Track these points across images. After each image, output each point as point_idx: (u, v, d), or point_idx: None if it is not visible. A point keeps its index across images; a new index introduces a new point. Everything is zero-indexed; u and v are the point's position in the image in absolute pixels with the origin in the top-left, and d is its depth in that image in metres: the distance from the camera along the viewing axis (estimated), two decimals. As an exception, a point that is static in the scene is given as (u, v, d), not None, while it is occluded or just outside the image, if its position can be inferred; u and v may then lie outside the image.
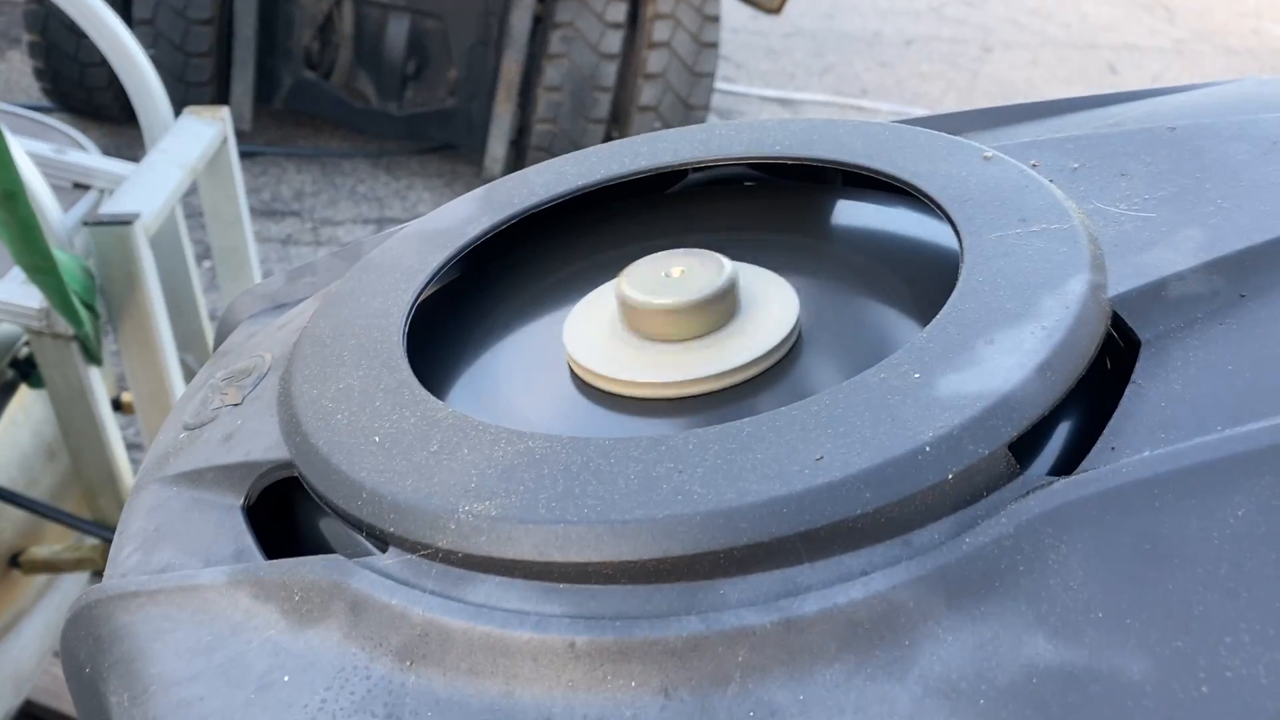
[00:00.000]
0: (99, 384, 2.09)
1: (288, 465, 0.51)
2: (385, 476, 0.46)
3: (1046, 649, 0.36)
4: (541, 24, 5.16)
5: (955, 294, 0.48)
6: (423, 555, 0.43)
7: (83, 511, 2.29)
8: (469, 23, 5.15)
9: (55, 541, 2.38)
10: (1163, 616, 0.37)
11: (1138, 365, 0.46)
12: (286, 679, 0.42)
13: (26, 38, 5.13)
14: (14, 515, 2.27)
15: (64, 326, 1.94)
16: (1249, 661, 0.36)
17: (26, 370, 2.25)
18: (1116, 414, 0.44)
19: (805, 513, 0.40)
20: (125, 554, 0.52)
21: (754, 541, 0.39)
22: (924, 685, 0.36)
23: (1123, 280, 0.48)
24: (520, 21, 5.06)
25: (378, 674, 0.41)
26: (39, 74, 5.20)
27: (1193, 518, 0.38)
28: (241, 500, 0.52)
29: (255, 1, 5.07)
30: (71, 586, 2.68)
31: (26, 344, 2.20)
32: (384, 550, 0.45)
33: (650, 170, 0.65)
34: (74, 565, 2.34)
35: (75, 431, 2.07)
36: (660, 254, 0.55)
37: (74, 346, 1.99)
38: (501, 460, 0.45)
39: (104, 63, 4.97)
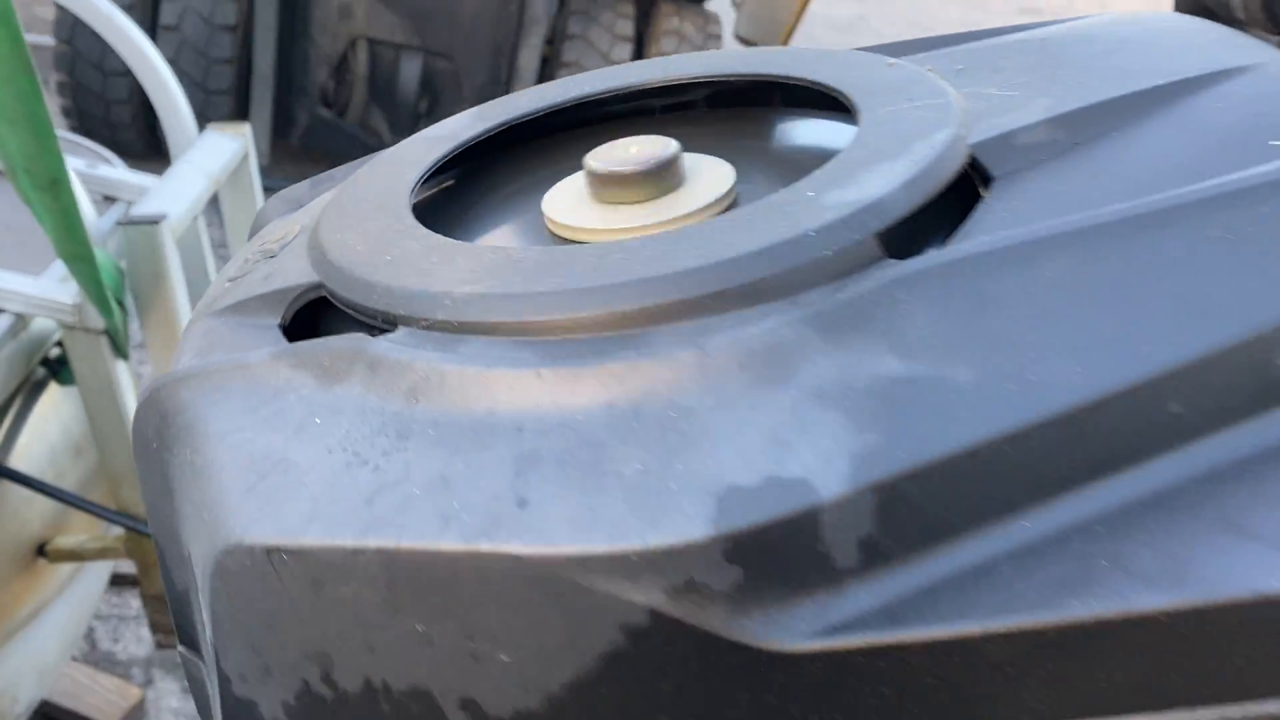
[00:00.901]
0: (126, 378, 2.21)
1: (317, 286, 0.63)
2: (395, 277, 0.58)
3: (895, 364, 0.49)
4: (549, 63, 5.34)
5: (848, 146, 0.61)
6: (424, 327, 0.56)
7: (109, 504, 2.41)
8: (479, 63, 5.33)
9: (81, 533, 2.49)
10: (984, 343, 0.49)
11: (989, 191, 0.59)
12: (318, 420, 0.55)
13: (54, 77, 5.33)
14: (42, 506, 2.39)
15: (95, 321, 2.07)
16: (1046, 370, 0.48)
17: (56, 368, 2.38)
18: (966, 223, 0.56)
19: (717, 278, 0.52)
20: (182, 361, 0.65)
21: (678, 299, 0.52)
22: (801, 389, 0.49)
23: (981, 134, 0.61)
24: (529, 61, 5.24)
25: (390, 409, 0.53)
26: (66, 112, 5.40)
27: (1010, 278, 0.51)
28: (279, 319, 0.64)
29: (273, 42, 5.27)
30: (93, 582, 2.79)
31: (57, 344, 2.34)
32: (395, 330, 0.58)
33: (613, 91, 0.78)
34: (98, 554, 2.45)
35: (103, 423, 2.20)
36: (620, 140, 0.68)
37: (104, 341, 2.12)
38: (488, 262, 0.58)
39: (128, 100, 5.17)
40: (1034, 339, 0.49)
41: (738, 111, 0.83)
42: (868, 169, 0.58)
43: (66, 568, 2.51)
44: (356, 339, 0.57)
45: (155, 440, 0.60)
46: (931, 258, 0.53)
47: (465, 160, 0.78)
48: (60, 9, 4.79)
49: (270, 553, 0.52)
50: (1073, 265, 0.52)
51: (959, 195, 0.59)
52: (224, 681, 0.58)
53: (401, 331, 0.56)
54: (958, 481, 0.47)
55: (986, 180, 0.60)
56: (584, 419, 0.50)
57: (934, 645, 0.47)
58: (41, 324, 2.21)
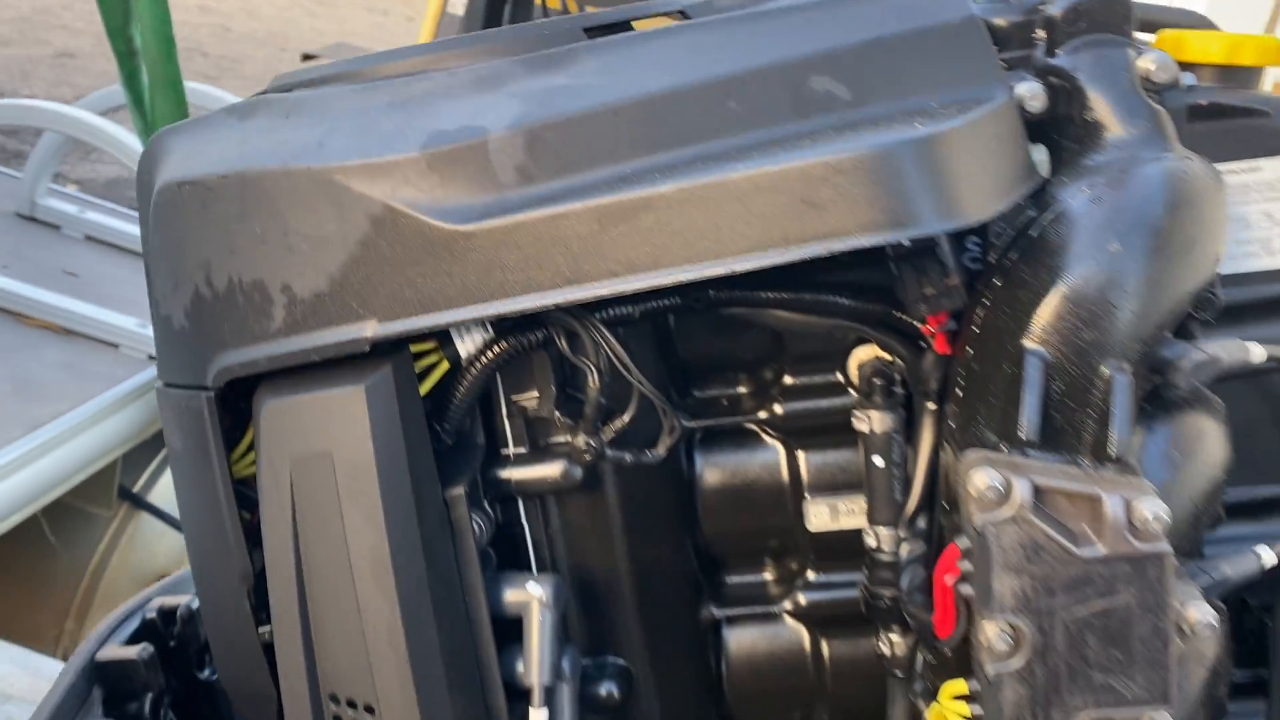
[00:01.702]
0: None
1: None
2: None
3: (559, 81, 0.78)
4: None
5: None
6: (332, 84, 0.88)
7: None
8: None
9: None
10: (613, 65, 0.78)
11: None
12: (236, 129, 0.87)
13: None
14: (170, 540, 2.76)
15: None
16: (637, 77, 0.76)
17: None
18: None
19: (472, 49, 0.83)
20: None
21: (442, 54, 0.83)
22: (502, 92, 0.78)
23: None
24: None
25: (276, 121, 0.85)
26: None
27: (657, 39, 0.80)
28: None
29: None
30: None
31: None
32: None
33: None
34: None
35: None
36: None
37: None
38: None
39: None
40: (633, 63, 0.78)
41: None
42: None
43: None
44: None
45: (146, 176, 0.93)
46: (608, 38, 0.82)
47: None
48: None
49: (180, 185, 0.83)
50: (699, 34, 0.80)
51: None
52: (153, 306, 0.88)
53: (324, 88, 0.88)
54: (578, 135, 0.75)
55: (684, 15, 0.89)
56: (372, 107, 0.81)
57: (547, 220, 0.73)
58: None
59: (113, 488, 2.71)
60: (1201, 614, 0.77)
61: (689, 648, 1.04)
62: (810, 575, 1.04)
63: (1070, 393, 0.76)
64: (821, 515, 1.00)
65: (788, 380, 1.00)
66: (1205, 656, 0.89)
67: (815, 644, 1.05)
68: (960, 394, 0.82)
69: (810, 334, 0.96)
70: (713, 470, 1.02)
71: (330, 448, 0.82)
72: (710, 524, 1.03)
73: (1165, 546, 0.74)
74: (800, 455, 1.01)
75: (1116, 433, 0.75)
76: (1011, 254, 0.80)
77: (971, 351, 0.82)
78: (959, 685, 0.84)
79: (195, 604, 1.27)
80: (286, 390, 0.84)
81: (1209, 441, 0.87)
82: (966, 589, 0.79)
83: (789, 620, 1.05)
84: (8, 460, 2.20)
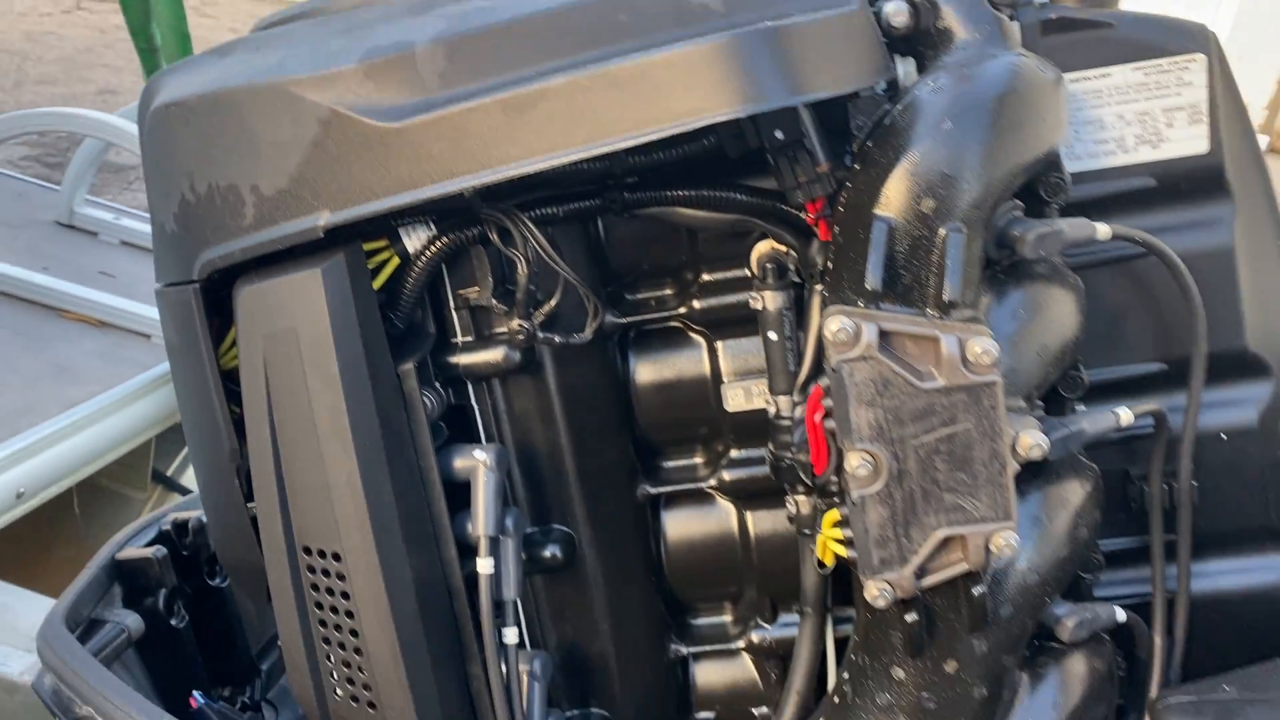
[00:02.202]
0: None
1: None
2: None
3: (437, 26, 0.93)
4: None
5: None
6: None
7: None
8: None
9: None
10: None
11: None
12: (221, 59, 1.02)
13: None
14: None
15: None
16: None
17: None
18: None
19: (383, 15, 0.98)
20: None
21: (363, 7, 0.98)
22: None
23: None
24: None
25: (255, 49, 1.01)
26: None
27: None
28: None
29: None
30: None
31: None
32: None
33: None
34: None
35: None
36: None
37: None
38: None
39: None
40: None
41: None
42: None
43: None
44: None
45: (145, 109, 1.08)
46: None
47: None
48: None
49: (167, 108, 0.99)
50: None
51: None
52: (151, 219, 1.04)
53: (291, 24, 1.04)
54: (491, 44, 0.90)
55: None
56: (326, 33, 0.96)
57: (463, 114, 0.88)
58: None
59: (146, 470, 2.88)
60: (1034, 439, 0.89)
61: (627, 521, 1.18)
62: (733, 453, 1.17)
63: (913, 253, 0.89)
64: (737, 397, 1.13)
65: (705, 278, 1.13)
66: (1068, 500, 1.02)
67: (741, 519, 1.18)
68: (830, 265, 0.95)
69: (719, 233, 1.09)
70: (644, 366, 1.16)
71: (295, 325, 0.97)
72: (644, 413, 1.16)
73: (995, 377, 0.87)
74: (719, 346, 1.14)
75: (949, 282, 0.88)
76: (869, 142, 0.94)
77: (838, 229, 0.95)
78: (835, 514, 0.97)
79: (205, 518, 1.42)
80: (259, 278, 0.98)
81: (1057, 306, 0.99)
82: (831, 424, 0.92)
83: (717, 498, 1.19)
84: (45, 435, 2.37)
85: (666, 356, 1.16)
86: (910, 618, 0.94)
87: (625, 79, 0.85)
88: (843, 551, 0.96)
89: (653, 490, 1.18)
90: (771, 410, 1.07)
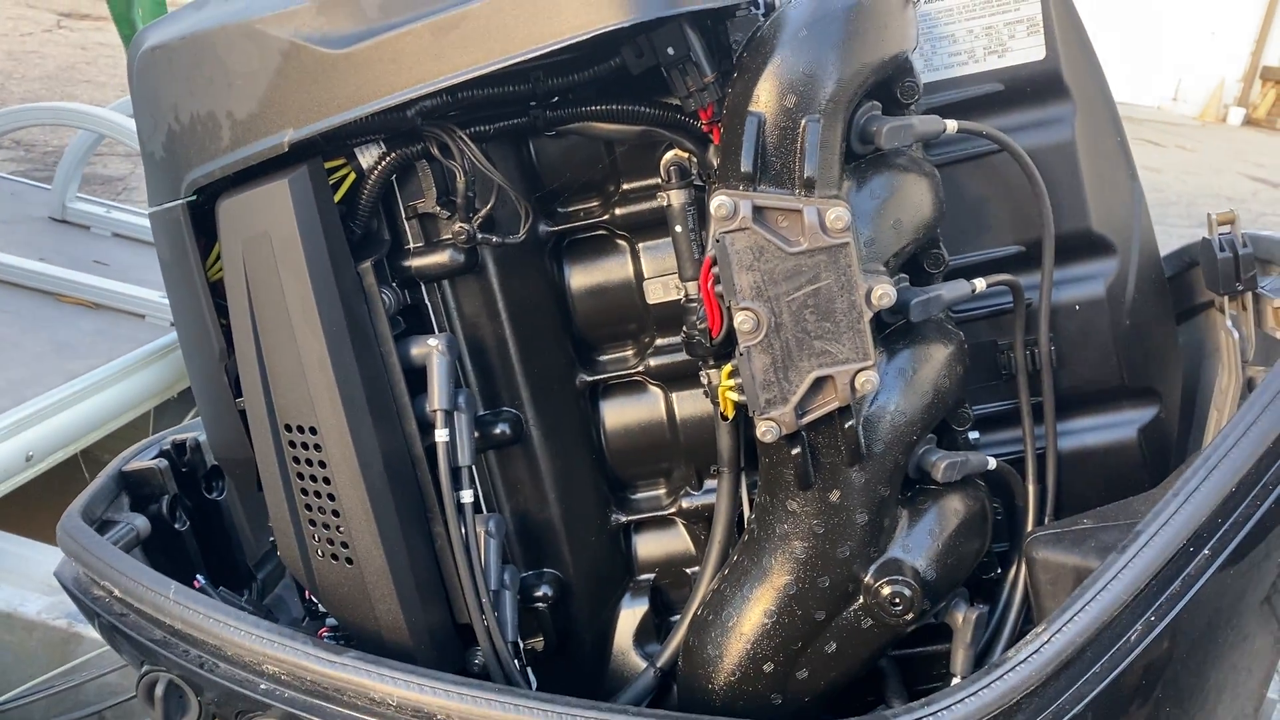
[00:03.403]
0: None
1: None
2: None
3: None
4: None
5: None
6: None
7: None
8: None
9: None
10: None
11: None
12: (194, 16, 1.20)
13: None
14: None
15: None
16: None
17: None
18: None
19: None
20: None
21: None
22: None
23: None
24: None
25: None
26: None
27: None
28: None
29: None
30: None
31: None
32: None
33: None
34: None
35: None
36: None
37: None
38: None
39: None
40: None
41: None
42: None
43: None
44: None
45: (132, 58, 1.26)
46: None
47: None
48: None
49: (152, 51, 1.16)
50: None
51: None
52: (142, 151, 1.21)
53: None
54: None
55: None
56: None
57: (399, 37, 1.06)
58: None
59: (146, 443, 3.05)
60: (884, 290, 1.07)
61: (569, 405, 1.36)
62: (657, 342, 1.35)
63: (780, 141, 1.07)
64: (657, 291, 1.31)
65: (624, 188, 1.31)
66: (931, 356, 1.20)
67: (668, 401, 1.36)
68: (720, 158, 1.13)
69: (631, 144, 1.27)
70: (577, 270, 1.34)
71: (268, 229, 1.15)
72: (579, 312, 1.34)
73: (848, 239, 1.05)
74: (640, 248, 1.32)
75: (808, 162, 1.06)
76: (744, 53, 1.12)
77: (724, 129, 1.13)
78: (729, 368, 1.15)
79: (203, 436, 1.59)
80: (236, 192, 1.16)
81: (912, 189, 1.17)
82: (719, 290, 1.10)
83: (646, 384, 1.37)
84: (49, 403, 2.55)
85: (595, 261, 1.34)
86: (795, 451, 1.12)
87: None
88: (737, 397, 1.14)
89: (589, 379, 1.36)
90: (681, 296, 1.25)
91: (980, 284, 1.22)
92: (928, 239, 1.21)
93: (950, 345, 1.22)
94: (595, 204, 1.33)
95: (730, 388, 1.15)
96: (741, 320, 1.08)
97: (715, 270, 1.10)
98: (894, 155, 1.18)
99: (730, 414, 1.18)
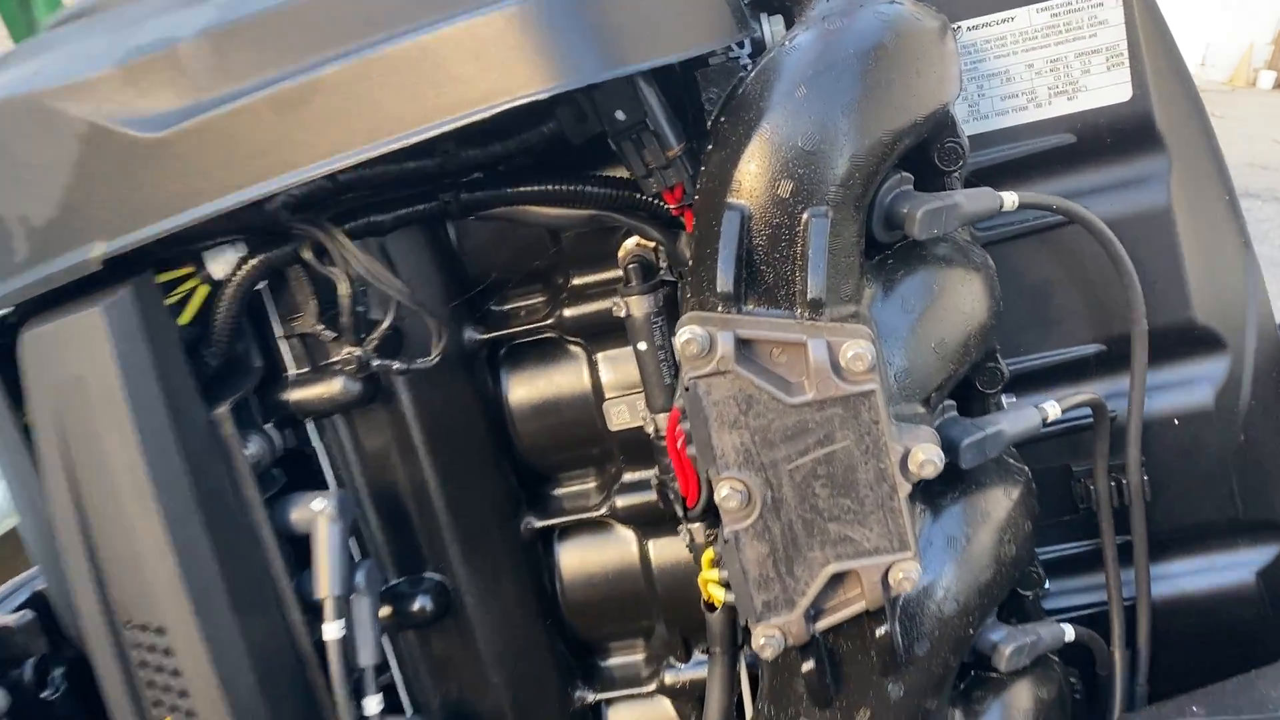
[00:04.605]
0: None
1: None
2: None
3: None
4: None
5: None
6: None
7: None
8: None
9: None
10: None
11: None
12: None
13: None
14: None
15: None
16: None
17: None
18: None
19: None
20: None
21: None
22: None
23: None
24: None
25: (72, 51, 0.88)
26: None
27: None
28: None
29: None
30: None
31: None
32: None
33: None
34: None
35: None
36: None
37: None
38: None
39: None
40: None
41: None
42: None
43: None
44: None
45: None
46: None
47: None
48: None
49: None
50: None
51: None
52: None
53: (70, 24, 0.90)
54: (261, 34, 0.76)
55: None
56: (92, 32, 0.83)
57: (230, 116, 0.75)
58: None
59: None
60: (927, 454, 0.75)
61: (511, 561, 1.05)
62: (626, 476, 1.04)
63: (773, 245, 0.76)
64: (622, 414, 1.00)
65: (575, 282, 1.00)
66: (990, 514, 0.88)
67: (643, 549, 1.05)
68: (692, 264, 0.82)
69: (585, 232, 0.96)
70: (518, 384, 1.03)
71: (81, 371, 0.84)
72: (523, 437, 1.03)
73: (872, 385, 0.73)
74: (598, 358, 1.01)
75: (813, 277, 0.74)
76: (721, 117, 0.80)
77: (696, 223, 0.81)
78: (712, 553, 0.83)
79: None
80: (40, 321, 0.86)
81: (959, 291, 0.86)
82: (692, 451, 0.79)
83: (615, 526, 1.06)
84: None
85: (542, 372, 1.03)
86: (809, 666, 0.81)
87: (406, 62, 0.72)
88: (724, 595, 0.83)
89: (540, 524, 1.05)
90: (650, 429, 0.94)
91: (1053, 409, 0.90)
92: (982, 353, 0.90)
93: (1014, 492, 0.90)
94: (539, 301, 1.02)
95: (713, 580, 0.84)
96: (725, 495, 0.77)
97: (686, 426, 0.78)
98: (933, 244, 0.86)
99: (718, 604, 0.87)
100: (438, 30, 0.71)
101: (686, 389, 0.76)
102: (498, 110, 0.71)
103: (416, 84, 0.72)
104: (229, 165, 0.76)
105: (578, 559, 1.07)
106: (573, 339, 1.01)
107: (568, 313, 1.00)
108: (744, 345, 0.75)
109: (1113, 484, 1.00)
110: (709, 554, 0.84)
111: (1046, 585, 1.00)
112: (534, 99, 0.71)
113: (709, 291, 0.78)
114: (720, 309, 0.77)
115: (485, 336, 1.01)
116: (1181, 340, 0.99)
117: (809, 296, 0.74)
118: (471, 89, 0.71)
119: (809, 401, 0.74)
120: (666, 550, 1.05)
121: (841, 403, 0.74)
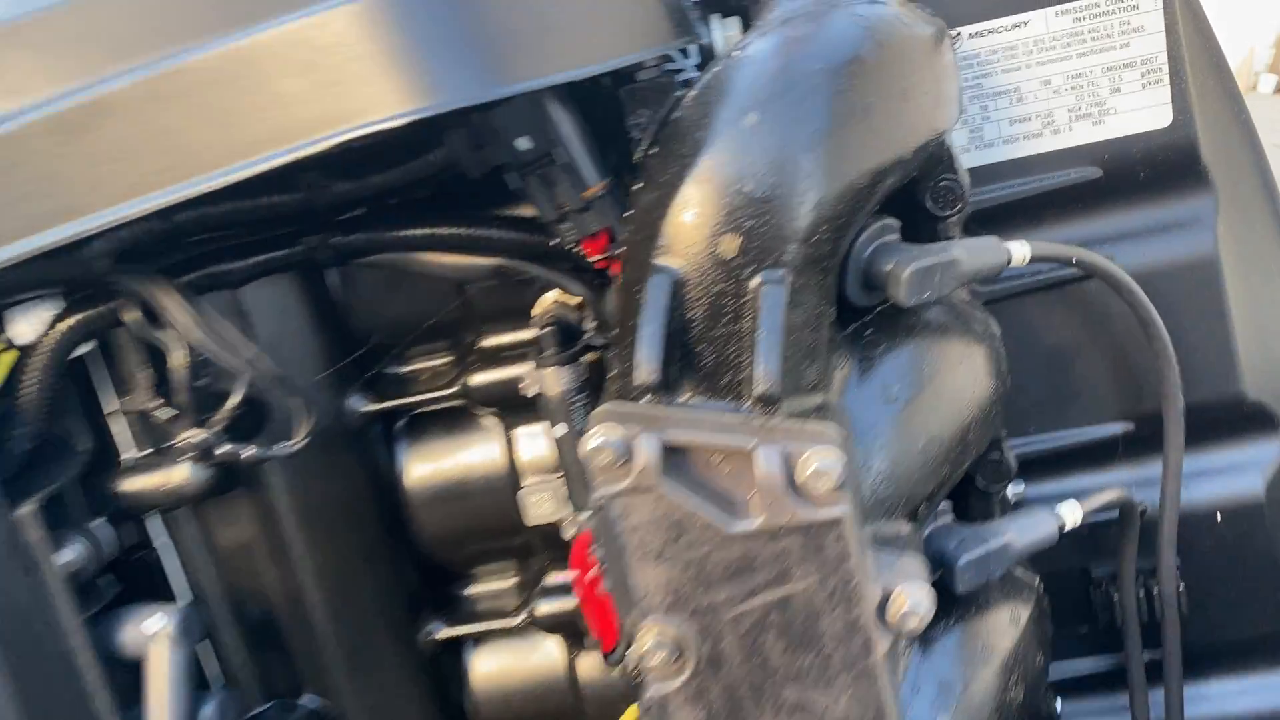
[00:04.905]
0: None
1: None
2: None
3: None
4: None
5: None
6: None
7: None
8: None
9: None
10: None
11: None
12: None
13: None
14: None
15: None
16: None
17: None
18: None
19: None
20: None
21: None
22: None
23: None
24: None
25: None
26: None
27: None
28: None
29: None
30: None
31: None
32: None
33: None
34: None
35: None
36: None
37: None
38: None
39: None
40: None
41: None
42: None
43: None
44: None
45: None
46: None
47: None
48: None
49: None
50: None
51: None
52: None
53: None
54: (38, 38, 0.58)
55: None
56: None
57: (6, 143, 0.56)
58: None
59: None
60: (913, 601, 0.57)
61: (410, 678, 0.86)
62: (549, 579, 0.85)
63: (714, 318, 0.58)
64: (542, 504, 0.82)
65: (486, 343, 0.82)
66: (993, 647, 0.71)
67: (568, 659, 0.87)
68: (616, 335, 0.64)
69: (488, 283, 0.78)
70: (419, 462, 0.85)
71: None
72: (425, 526, 0.85)
73: (839, 510, 0.55)
74: (515, 434, 0.83)
75: (763, 363, 0.56)
76: (652, 149, 0.62)
77: (618, 288, 0.63)
78: (634, 711, 0.65)
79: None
80: None
81: (956, 370, 0.68)
82: (609, 585, 0.60)
83: (535, 633, 0.87)
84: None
85: (447, 448, 0.84)
86: None
87: (216, 77, 0.53)
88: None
89: (445, 635, 0.87)
90: (570, 532, 0.75)
91: (1071, 515, 0.72)
92: (985, 445, 0.71)
93: (1023, 616, 0.72)
94: (445, 363, 0.84)
95: (640, 743, 0.65)
96: (649, 648, 0.59)
97: (599, 553, 0.60)
98: (924, 309, 0.68)
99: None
100: (253, 35, 0.53)
101: (598, 511, 0.57)
102: (337, 141, 0.53)
103: (230, 106, 0.53)
104: (9, 205, 0.58)
105: (493, 668, 0.89)
106: (483, 409, 0.83)
107: (477, 379, 0.81)
108: (674, 453, 0.57)
109: (1141, 593, 0.82)
110: (631, 712, 0.65)
111: (1059, 709, 0.83)
112: (385, 126, 0.52)
113: (629, 383, 0.60)
114: (648, 401, 0.59)
115: (376, 407, 0.83)
116: (1227, 419, 0.81)
117: (757, 391, 0.56)
118: (303, 111, 0.53)
119: (758, 530, 0.56)
120: (599, 665, 0.87)
121: (801, 532, 0.56)
